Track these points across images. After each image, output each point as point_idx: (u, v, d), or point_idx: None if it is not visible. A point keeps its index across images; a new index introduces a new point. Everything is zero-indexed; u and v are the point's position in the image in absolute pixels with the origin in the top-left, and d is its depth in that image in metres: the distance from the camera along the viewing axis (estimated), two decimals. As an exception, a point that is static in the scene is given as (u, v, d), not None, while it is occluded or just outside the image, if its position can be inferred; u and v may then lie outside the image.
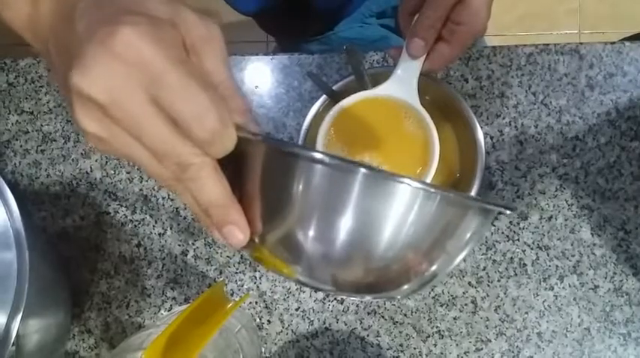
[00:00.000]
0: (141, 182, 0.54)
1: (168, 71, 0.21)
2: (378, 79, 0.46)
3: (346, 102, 0.42)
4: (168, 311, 0.53)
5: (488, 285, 0.52)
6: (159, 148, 0.22)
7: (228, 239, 0.26)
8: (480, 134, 0.47)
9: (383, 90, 0.42)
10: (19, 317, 0.40)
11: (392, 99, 0.42)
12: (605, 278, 0.51)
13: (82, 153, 0.55)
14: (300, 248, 0.27)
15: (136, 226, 0.54)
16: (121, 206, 0.54)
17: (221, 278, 0.53)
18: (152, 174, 0.24)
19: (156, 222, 0.54)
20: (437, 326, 0.52)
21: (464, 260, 0.52)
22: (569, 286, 0.52)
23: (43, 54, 0.27)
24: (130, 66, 0.21)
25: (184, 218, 0.54)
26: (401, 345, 0.52)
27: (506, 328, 0.52)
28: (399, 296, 0.45)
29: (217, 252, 0.53)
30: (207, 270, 0.53)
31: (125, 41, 0.21)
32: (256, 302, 0.53)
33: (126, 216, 0.54)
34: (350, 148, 0.43)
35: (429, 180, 0.41)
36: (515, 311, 0.52)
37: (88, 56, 0.21)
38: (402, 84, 0.41)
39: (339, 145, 0.43)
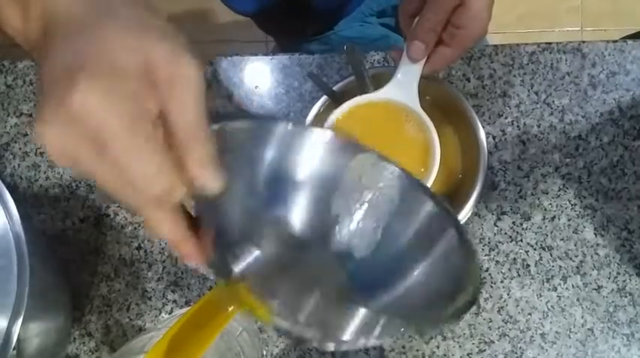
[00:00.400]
0: (141, 184, 0.54)
1: (118, 136, 0.21)
2: (378, 79, 0.46)
3: (346, 106, 0.42)
4: (169, 314, 0.53)
5: (491, 286, 0.51)
6: (114, 194, 0.23)
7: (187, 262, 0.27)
8: (482, 134, 0.47)
9: (383, 93, 0.41)
10: (19, 320, 0.40)
11: (392, 102, 0.42)
12: (609, 278, 0.51)
13: (81, 155, 0.54)
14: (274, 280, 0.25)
15: (135, 228, 0.53)
16: (121, 208, 0.54)
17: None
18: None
19: (156, 224, 0.53)
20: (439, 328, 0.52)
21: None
22: (573, 287, 0.51)
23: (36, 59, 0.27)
24: (83, 127, 0.21)
25: (185, 220, 0.53)
26: (403, 347, 0.52)
27: (510, 329, 0.51)
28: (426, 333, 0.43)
29: (218, 254, 0.53)
30: (208, 273, 0.53)
31: (80, 101, 0.21)
32: (258, 305, 0.53)
33: (126, 219, 0.54)
34: None
35: (430, 183, 0.41)
36: (519, 312, 0.51)
37: (47, 112, 0.21)
38: (402, 87, 0.41)
39: None
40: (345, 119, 0.42)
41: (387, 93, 0.41)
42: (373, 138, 0.42)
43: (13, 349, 0.40)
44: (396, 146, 0.43)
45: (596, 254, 0.51)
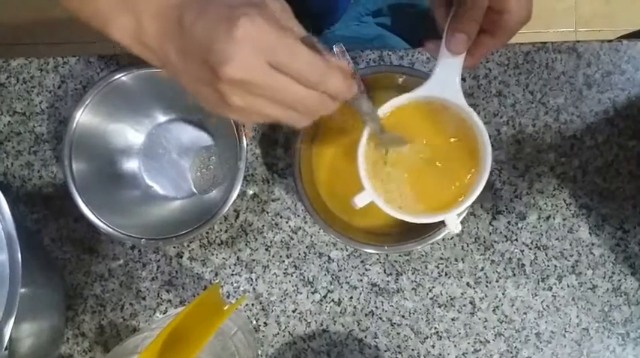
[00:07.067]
0: (135, 183, 0.54)
1: (280, 42, 0.28)
2: (375, 78, 0.46)
3: (384, 108, 0.39)
4: (164, 313, 0.53)
5: (487, 286, 0.51)
6: (287, 99, 0.30)
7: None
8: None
9: (424, 91, 0.39)
10: (11, 320, 0.40)
11: (433, 99, 0.39)
12: (604, 278, 0.51)
13: (75, 154, 0.54)
14: None
15: (130, 228, 0.53)
16: (115, 207, 0.53)
17: (217, 281, 0.53)
18: (288, 120, 0.31)
19: (151, 223, 0.53)
20: (435, 328, 0.51)
21: (462, 260, 0.52)
22: (568, 286, 0.51)
23: (152, 61, 0.32)
24: (252, 46, 0.28)
25: (179, 219, 0.53)
26: (399, 347, 0.52)
27: (505, 329, 0.51)
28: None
29: (213, 254, 0.53)
30: (202, 272, 0.53)
31: (242, 30, 0.27)
32: (252, 304, 0.52)
33: (120, 218, 0.53)
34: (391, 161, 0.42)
35: (483, 183, 0.39)
36: (514, 312, 0.51)
37: (223, 51, 0.28)
38: (443, 82, 0.38)
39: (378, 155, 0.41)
40: (385, 122, 0.40)
41: (428, 90, 0.39)
42: (417, 139, 0.41)
43: (5, 349, 0.40)
44: (442, 146, 0.41)
45: (591, 253, 0.51)
